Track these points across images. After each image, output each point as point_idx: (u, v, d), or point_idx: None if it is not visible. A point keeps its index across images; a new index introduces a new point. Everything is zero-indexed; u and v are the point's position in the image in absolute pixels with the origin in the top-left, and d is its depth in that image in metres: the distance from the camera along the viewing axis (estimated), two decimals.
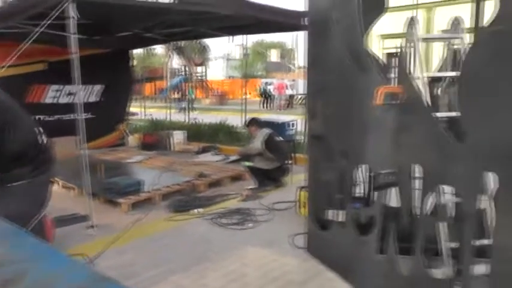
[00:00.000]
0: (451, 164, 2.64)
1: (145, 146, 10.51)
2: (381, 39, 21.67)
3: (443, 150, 2.68)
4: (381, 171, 3.04)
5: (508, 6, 2.23)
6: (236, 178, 7.31)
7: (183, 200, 5.97)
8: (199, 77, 40.17)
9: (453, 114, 3.25)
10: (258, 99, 28.39)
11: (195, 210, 5.59)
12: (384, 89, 2.81)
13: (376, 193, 3.30)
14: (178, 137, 11.15)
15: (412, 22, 3.54)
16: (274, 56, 50.47)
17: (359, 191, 4.09)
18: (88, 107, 7.57)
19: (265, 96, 28.11)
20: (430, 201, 3.70)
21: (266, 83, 29.89)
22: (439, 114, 3.15)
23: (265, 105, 27.71)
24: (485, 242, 3.05)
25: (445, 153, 2.67)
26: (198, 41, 32.45)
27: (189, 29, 8.19)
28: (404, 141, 2.94)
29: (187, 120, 14.01)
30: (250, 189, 6.59)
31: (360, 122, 3.32)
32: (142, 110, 16.92)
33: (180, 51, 33.17)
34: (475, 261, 3.04)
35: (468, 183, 2.57)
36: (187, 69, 33.05)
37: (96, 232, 4.78)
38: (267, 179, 6.67)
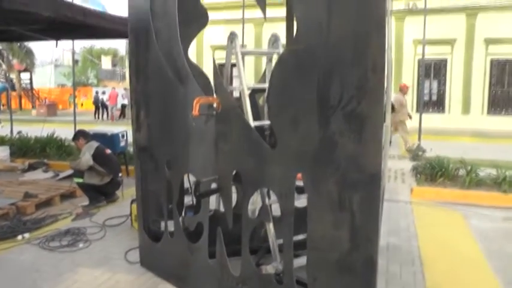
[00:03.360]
0: (267, 168, 2.86)
1: None
2: (212, 50, 22.58)
3: (259, 156, 2.89)
4: (204, 179, 3.14)
5: (303, 29, 2.52)
6: (68, 196, 6.84)
7: (6, 226, 5.34)
8: (25, 85, 36.53)
9: (267, 122, 3.53)
10: (89, 109, 27.04)
11: (20, 236, 5.06)
12: (200, 100, 2.92)
13: (202, 200, 3.39)
14: None
15: (232, 36, 3.72)
16: (106, 63, 48.28)
17: (189, 199, 4.17)
18: None
19: (98, 106, 26.91)
20: (256, 204, 3.97)
21: (97, 92, 28.53)
22: (255, 123, 3.38)
23: (98, 115, 26.48)
24: (301, 237, 3.36)
25: (261, 159, 2.88)
26: (20, 44, 29.54)
27: (4, 29, 7.38)
28: (223, 149, 3.09)
29: (10, 134, 12.61)
30: (82, 206, 6.23)
31: (182, 132, 3.40)
32: None
33: None
34: (299, 254, 3.36)
35: (283, 184, 2.81)
36: (9, 75, 29.81)
37: None
38: (99, 195, 6.37)
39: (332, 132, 2.34)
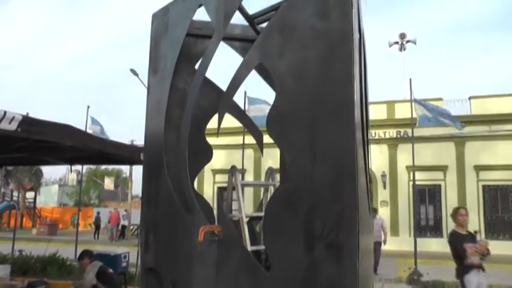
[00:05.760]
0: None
1: None
2: (213, 173, 23.52)
3: (255, 277, 3.26)
4: None
5: (292, 173, 3.09)
6: None
7: None
8: (28, 204, 37.07)
9: (263, 247, 3.94)
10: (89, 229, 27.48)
11: None
12: (205, 228, 3.39)
13: None
14: None
15: (232, 170, 4.29)
16: (109, 184, 49.83)
17: None
18: None
19: (99, 226, 27.41)
20: None
21: (99, 213, 29.13)
22: (252, 248, 3.79)
23: (98, 235, 26.72)
24: None
25: (257, 280, 3.24)
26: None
27: (26, 155, 8.08)
28: (224, 270, 3.47)
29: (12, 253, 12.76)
30: None
31: (186, 254, 3.79)
32: None
33: (9, 175, 30.76)
34: None
35: None
36: (15, 194, 30.47)
37: None
38: None
39: (315, 258, 2.77)
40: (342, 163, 2.76)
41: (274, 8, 4.50)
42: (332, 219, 2.72)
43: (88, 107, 16.52)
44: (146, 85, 4.79)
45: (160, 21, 4.63)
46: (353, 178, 2.69)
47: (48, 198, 44.51)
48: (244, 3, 4.33)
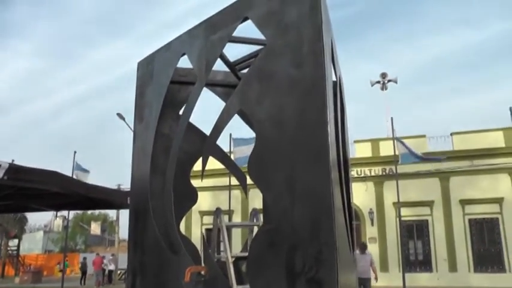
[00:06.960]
0: None
1: None
2: (200, 215, 23.40)
3: None
4: None
5: (272, 213, 3.23)
6: None
7: None
8: (11, 252, 36.16)
9: (248, 286, 4.01)
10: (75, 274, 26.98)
11: None
12: (191, 269, 3.47)
13: None
14: None
15: (217, 212, 4.41)
16: (95, 228, 49.21)
17: None
18: None
19: (85, 271, 26.89)
20: None
21: (85, 258, 28.56)
22: (238, 287, 3.87)
23: (85, 281, 26.14)
24: None
25: None
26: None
27: (12, 203, 8.06)
28: None
29: None
30: None
31: None
32: None
33: None
34: None
35: None
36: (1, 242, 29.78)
37: None
38: None
39: None
40: (319, 203, 2.91)
41: (253, 55, 4.77)
42: (312, 256, 2.84)
43: (75, 152, 16.58)
44: (132, 129, 4.95)
45: (145, 69, 4.85)
46: (330, 217, 2.83)
47: (32, 245, 43.53)
48: (225, 51, 4.57)
